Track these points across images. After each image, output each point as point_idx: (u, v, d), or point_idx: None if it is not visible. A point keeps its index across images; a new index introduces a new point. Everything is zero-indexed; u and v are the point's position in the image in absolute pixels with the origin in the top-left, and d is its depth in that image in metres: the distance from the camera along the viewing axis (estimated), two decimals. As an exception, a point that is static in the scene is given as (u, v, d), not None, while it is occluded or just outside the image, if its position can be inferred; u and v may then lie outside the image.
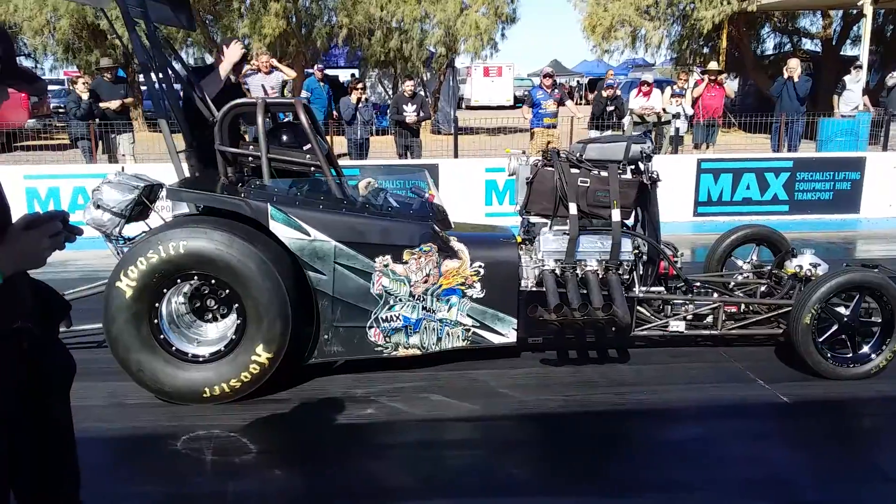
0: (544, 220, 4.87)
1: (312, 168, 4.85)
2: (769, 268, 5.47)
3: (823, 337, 4.61)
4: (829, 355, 4.58)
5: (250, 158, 4.85)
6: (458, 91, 34.72)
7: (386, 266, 4.52)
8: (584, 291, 4.61)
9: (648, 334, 4.96)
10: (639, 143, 4.85)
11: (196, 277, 4.29)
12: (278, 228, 4.39)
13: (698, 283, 5.19)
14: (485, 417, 4.24)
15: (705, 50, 22.99)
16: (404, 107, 11.64)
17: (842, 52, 25.20)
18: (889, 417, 4.31)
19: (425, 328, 4.67)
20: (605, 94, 12.71)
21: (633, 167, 4.84)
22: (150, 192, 4.97)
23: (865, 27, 13.75)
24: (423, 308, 4.62)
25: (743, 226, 6.10)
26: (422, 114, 11.83)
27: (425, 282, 4.60)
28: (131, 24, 4.59)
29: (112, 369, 4.33)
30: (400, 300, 4.58)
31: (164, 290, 4.26)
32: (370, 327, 4.59)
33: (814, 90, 13.86)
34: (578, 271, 4.72)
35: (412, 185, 5.64)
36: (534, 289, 4.75)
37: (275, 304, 4.22)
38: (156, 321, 4.25)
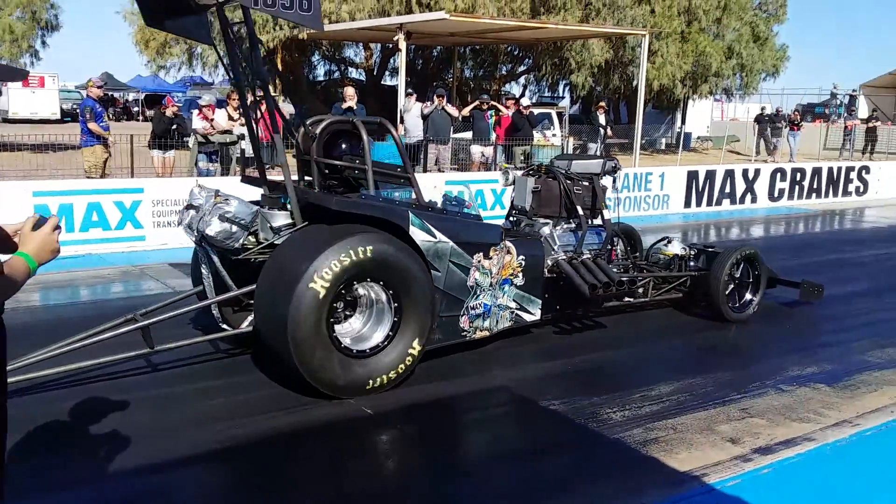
0: (545, 221, 6.23)
1: (402, 180, 5.46)
2: (639, 252, 7.29)
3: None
4: (730, 305, 6.66)
5: (356, 171, 5.37)
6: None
7: (479, 261, 5.25)
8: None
9: (614, 305, 6.48)
10: (611, 160, 6.63)
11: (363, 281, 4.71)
12: (416, 233, 4.88)
13: (635, 265, 6.79)
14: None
15: (262, 72, 23.52)
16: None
17: (383, 82, 27.93)
18: (457, 414, 4.88)
19: (493, 313, 5.42)
20: (167, 112, 12.36)
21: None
22: None
23: (402, 60, 15.28)
24: (493, 296, 5.39)
25: (613, 223, 7.54)
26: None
27: (498, 273, 5.39)
28: (230, 38, 4.93)
29: None
30: (483, 290, 5.32)
31: (343, 291, 4.61)
32: (462, 315, 5.24)
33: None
34: (579, 259, 5.93)
35: (450, 195, 6.00)
36: (547, 275, 5.82)
37: (428, 301, 4.87)
38: (332, 321, 4.57)
